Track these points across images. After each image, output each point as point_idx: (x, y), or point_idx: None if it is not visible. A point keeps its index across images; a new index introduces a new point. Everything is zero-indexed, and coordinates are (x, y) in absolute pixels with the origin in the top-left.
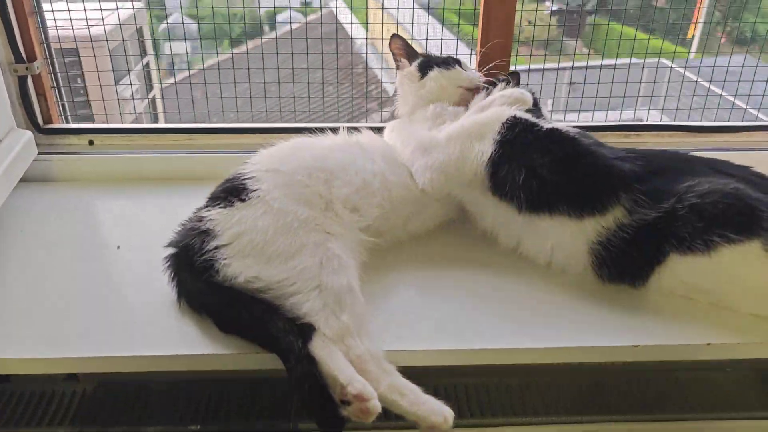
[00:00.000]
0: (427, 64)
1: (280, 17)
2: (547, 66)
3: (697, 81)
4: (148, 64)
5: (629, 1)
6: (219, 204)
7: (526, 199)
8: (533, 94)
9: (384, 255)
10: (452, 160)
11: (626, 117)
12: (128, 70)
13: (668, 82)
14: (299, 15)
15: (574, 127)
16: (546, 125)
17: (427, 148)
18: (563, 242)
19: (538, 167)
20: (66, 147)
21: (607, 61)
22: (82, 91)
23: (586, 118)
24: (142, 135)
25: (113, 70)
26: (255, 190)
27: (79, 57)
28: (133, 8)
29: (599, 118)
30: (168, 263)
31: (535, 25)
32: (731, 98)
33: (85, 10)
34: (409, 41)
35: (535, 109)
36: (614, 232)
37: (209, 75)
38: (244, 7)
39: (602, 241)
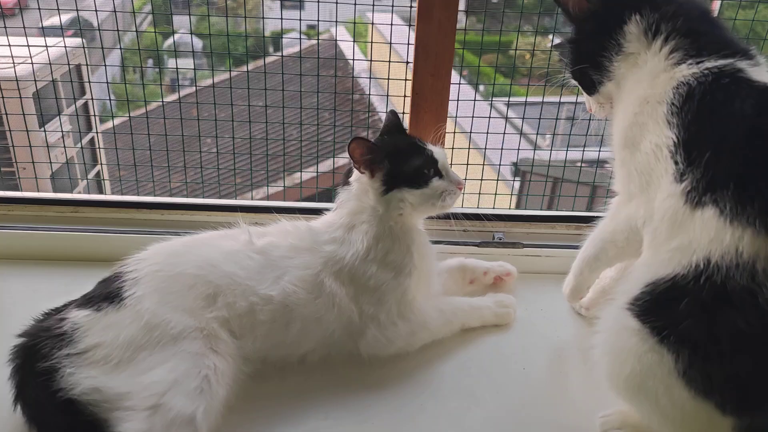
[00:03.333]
0: (395, 177)
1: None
2: (547, 99)
3: None
4: (85, 106)
5: None
6: (89, 305)
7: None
8: None
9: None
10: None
11: None
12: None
13: None
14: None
15: None
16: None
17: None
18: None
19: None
20: None
21: None
22: None
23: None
24: (22, 205)
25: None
26: (129, 296)
27: None
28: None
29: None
30: (13, 356)
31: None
32: None
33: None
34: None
35: None
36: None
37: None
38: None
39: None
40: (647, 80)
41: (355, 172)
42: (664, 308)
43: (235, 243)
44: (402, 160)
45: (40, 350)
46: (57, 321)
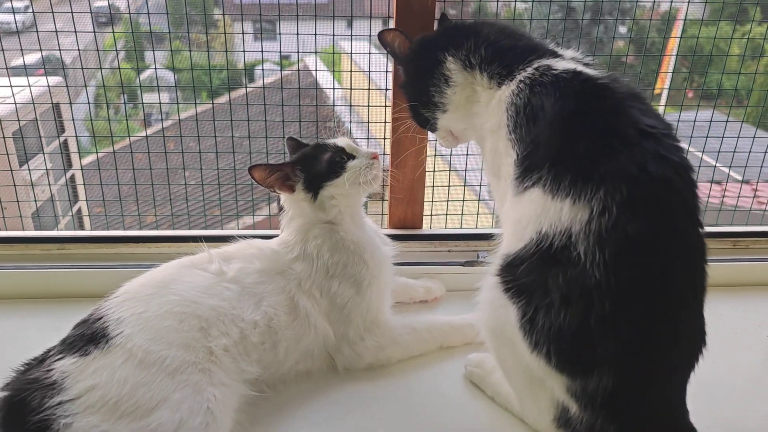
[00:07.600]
0: (313, 179)
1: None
2: None
3: None
4: (65, 143)
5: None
6: (73, 351)
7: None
8: None
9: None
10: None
11: None
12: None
13: None
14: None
15: None
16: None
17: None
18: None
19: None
20: None
21: None
22: None
23: None
24: (7, 245)
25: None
26: (116, 335)
27: None
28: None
29: None
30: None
31: None
32: (698, 154)
33: None
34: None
35: None
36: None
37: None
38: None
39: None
40: (485, 113)
41: (281, 196)
42: (511, 270)
43: (205, 274)
44: (312, 161)
45: (29, 403)
46: (46, 370)
